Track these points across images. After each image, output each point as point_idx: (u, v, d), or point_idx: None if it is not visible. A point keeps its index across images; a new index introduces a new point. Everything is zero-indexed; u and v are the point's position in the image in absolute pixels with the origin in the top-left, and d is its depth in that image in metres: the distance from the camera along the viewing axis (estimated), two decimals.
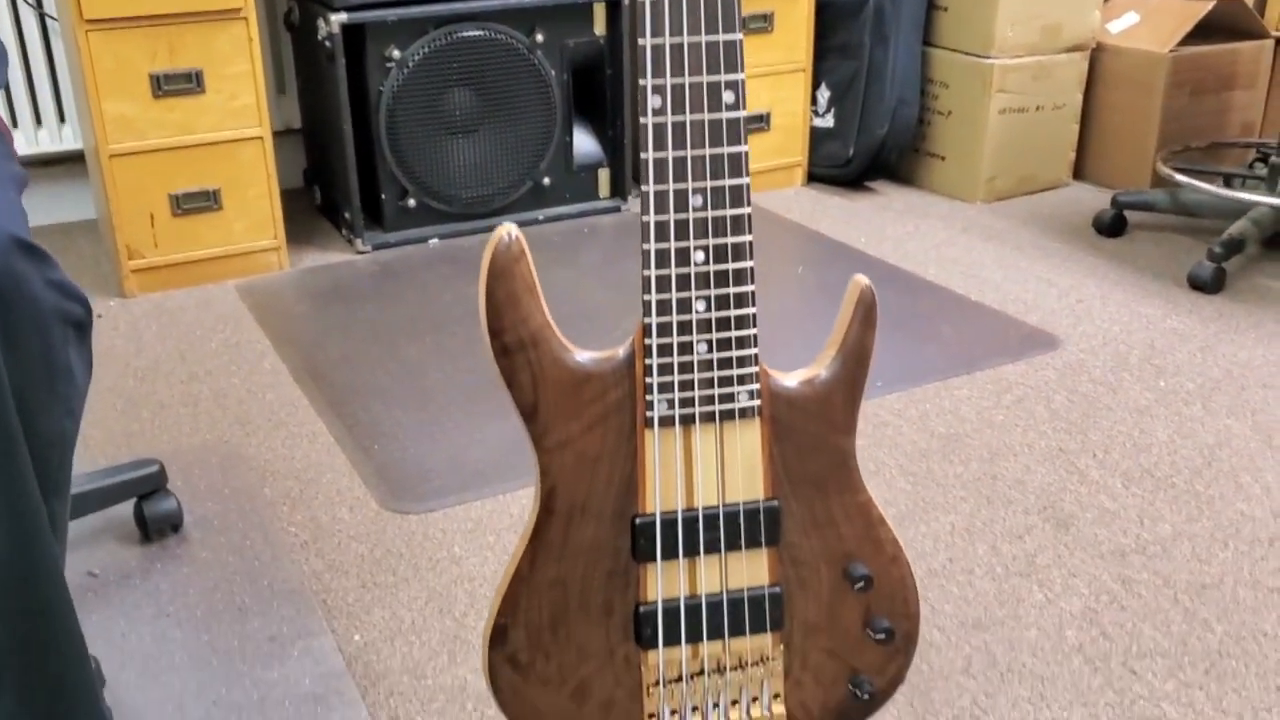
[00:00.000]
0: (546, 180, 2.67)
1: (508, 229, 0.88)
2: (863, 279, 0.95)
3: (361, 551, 1.47)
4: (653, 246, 0.87)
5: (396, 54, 2.41)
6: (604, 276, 2.39)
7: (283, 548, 1.48)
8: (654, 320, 0.89)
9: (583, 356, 0.91)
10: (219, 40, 2.23)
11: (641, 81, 0.85)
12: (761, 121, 2.83)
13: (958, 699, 1.19)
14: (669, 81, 0.85)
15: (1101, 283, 2.27)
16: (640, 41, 0.85)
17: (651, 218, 0.87)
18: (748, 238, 0.89)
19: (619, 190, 2.77)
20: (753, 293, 0.90)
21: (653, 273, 0.88)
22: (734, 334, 0.90)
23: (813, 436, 0.95)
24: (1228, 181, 2.46)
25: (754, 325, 0.91)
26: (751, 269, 0.90)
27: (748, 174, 0.88)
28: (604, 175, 2.76)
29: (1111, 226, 2.51)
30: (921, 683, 1.21)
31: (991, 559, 1.42)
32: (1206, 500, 1.53)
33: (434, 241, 2.59)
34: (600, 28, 2.60)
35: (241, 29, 2.24)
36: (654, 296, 0.88)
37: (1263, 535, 1.45)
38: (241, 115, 2.29)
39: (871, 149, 2.78)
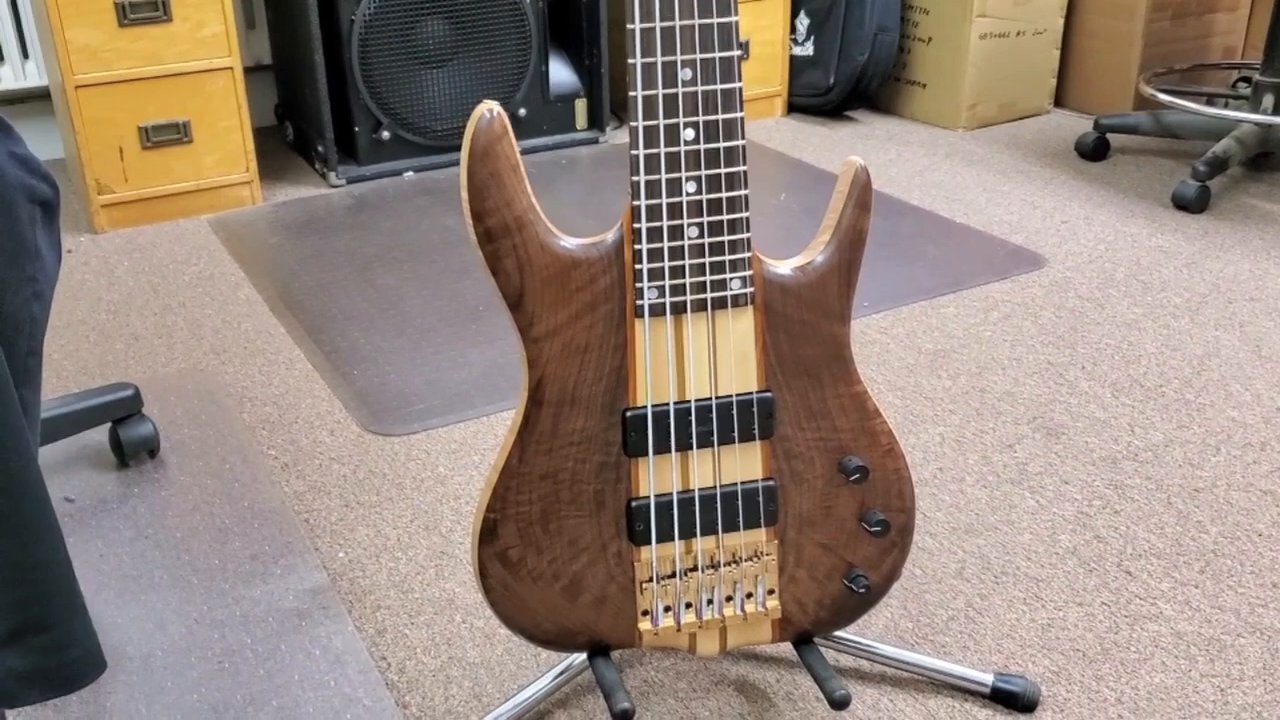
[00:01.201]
0: (523, 111, 2.63)
1: (489, 105, 0.85)
2: (857, 159, 0.92)
3: (344, 473, 1.44)
4: (641, 124, 0.84)
5: None
6: (584, 208, 2.36)
7: (262, 470, 1.45)
8: (643, 203, 0.86)
9: (570, 242, 0.88)
10: None
11: None
12: (740, 50, 2.78)
13: (952, 601, 1.18)
14: None
15: (1085, 204, 2.25)
16: None
17: (639, 93, 0.83)
18: (739, 115, 0.86)
19: (596, 121, 2.72)
20: (745, 173, 0.87)
21: (641, 151, 0.85)
22: (726, 217, 0.87)
23: (807, 325, 0.92)
24: (1210, 102, 2.44)
25: (746, 208, 0.88)
26: (743, 148, 0.87)
27: (739, 47, 0.85)
28: (581, 106, 2.71)
29: (1094, 150, 2.49)
30: (915, 586, 1.20)
31: (983, 468, 1.41)
32: (1197, 408, 1.52)
33: (409, 174, 2.54)
34: None
35: None
36: (642, 177, 0.85)
37: (1254, 440, 1.45)
38: (210, 45, 2.23)
39: (852, 77, 2.74)
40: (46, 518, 0.76)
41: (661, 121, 0.84)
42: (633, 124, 0.84)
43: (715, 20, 0.83)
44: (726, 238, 0.88)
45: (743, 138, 0.87)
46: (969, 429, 1.49)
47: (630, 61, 0.83)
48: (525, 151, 2.65)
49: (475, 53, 2.51)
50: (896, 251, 2.05)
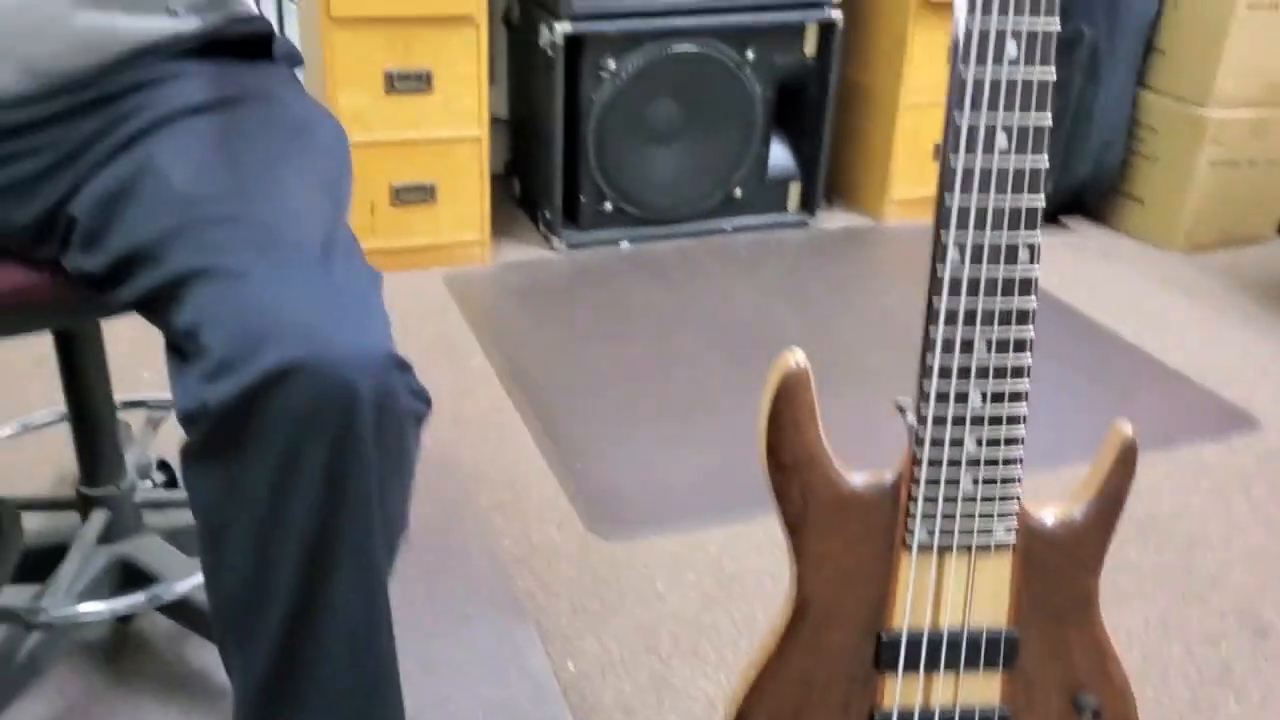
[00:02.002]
0: (738, 191, 2.72)
1: (795, 356, 0.94)
2: (1126, 428, 0.98)
3: (570, 575, 1.56)
4: (934, 389, 0.92)
5: (612, 65, 2.47)
6: (790, 298, 2.43)
7: (499, 560, 1.58)
8: (925, 454, 0.94)
9: (853, 479, 0.97)
10: (450, 43, 2.33)
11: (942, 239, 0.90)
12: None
13: None
14: (964, 240, 0.89)
15: None
16: (946, 198, 0.89)
17: (936, 362, 0.91)
18: (1025, 385, 0.93)
19: (808, 204, 2.80)
20: (1023, 436, 0.94)
21: (930, 413, 0.93)
22: (1000, 472, 0.95)
23: (1061, 572, 0.99)
24: None
25: (1020, 464, 0.95)
26: (1025, 415, 0.94)
27: (1032, 323, 0.92)
28: (794, 188, 2.79)
29: None
30: None
31: (1186, 662, 1.44)
32: None
33: (625, 244, 2.66)
34: (811, 49, 2.62)
35: (471, 34, 2.33)
36: (928, 434, 0.93)
37: None
38: (463, 116, 2.39)
39: (1072, 189, 2.74)
40: (400, 707, 0.89)
41: (953, 386, 0.92)
42: (925, 388, 0.92)
43: (1014, 304, 0.90)
44: (999, 490, 0.95)
45: (1025, 403, 0.94)
46: (1173, 614, 1.52)
47: (928, 336, 0.91)
48: (736, 230, 2.74)
49: (702, 135, 2.61)
50: (1109, 395, 2.07)
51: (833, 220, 2.85)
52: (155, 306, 0.89)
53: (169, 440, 1.25)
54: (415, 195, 2.43)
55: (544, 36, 2.45)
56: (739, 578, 1.57)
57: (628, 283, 2.48)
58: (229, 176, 0.89)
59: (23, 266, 1.00)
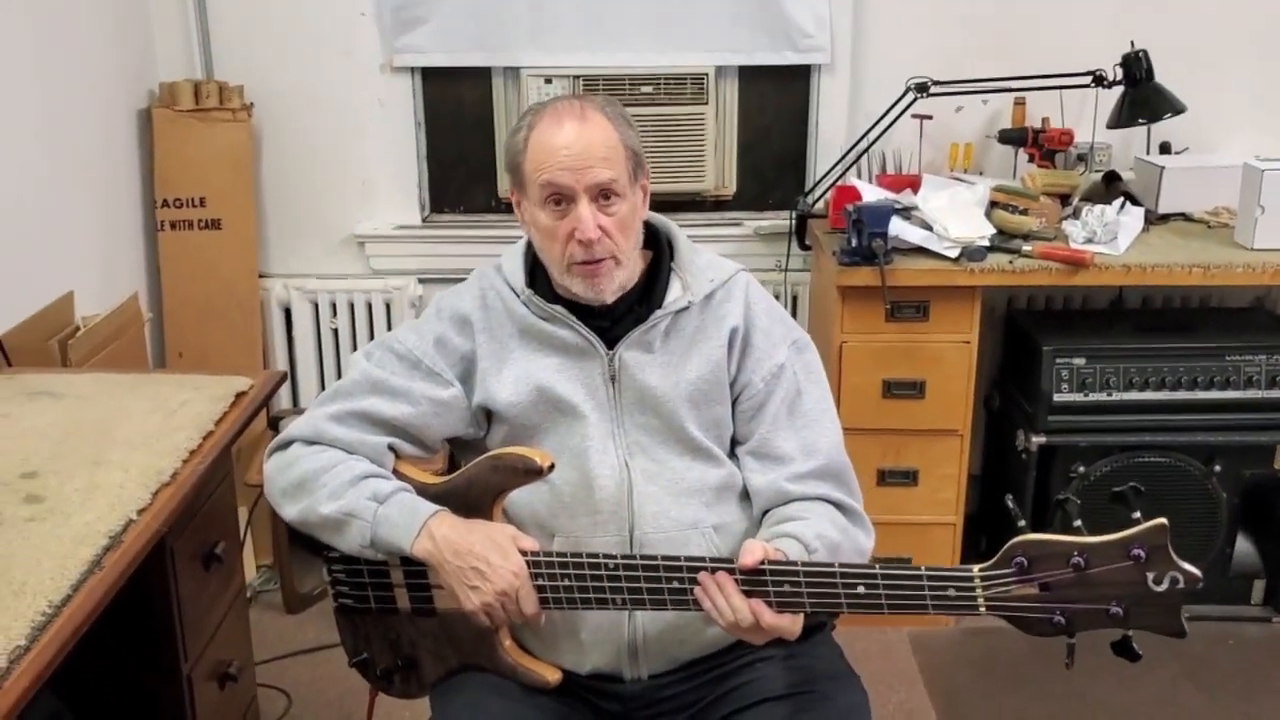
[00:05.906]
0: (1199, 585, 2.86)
1: None
2: None
3: None
4: None
5: (1081, 469, 2.77)
6: (1246, 713, 2.53)
7: None
8: None
9: None
10: (937, 448, 2.75)
11: None
12: None
13: None
14: None
15: None
16: None
17: None
18: None
19: (1274, 599, 2.87)
20: None
21: None
22: None
23: None
24: None
25: None
26: None
27: None
28: (1259, 584, 2.88)
29: None
30: None
31: None
32: None
33: None
34: None
35: (957, 443, 2.75)
36: None
37: None
38: (943, 506, 2.79)
39: None
40: None
41: None
42: None
43: None
44: None
45: None
46: None
47: None
48: (1193, 618, 2.85)
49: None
50: None
51: None
52: None
53: None
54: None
55: (1020, 442, 2.81)
56: None
57: (1083, 666, 2.69)
58: None
59: None
